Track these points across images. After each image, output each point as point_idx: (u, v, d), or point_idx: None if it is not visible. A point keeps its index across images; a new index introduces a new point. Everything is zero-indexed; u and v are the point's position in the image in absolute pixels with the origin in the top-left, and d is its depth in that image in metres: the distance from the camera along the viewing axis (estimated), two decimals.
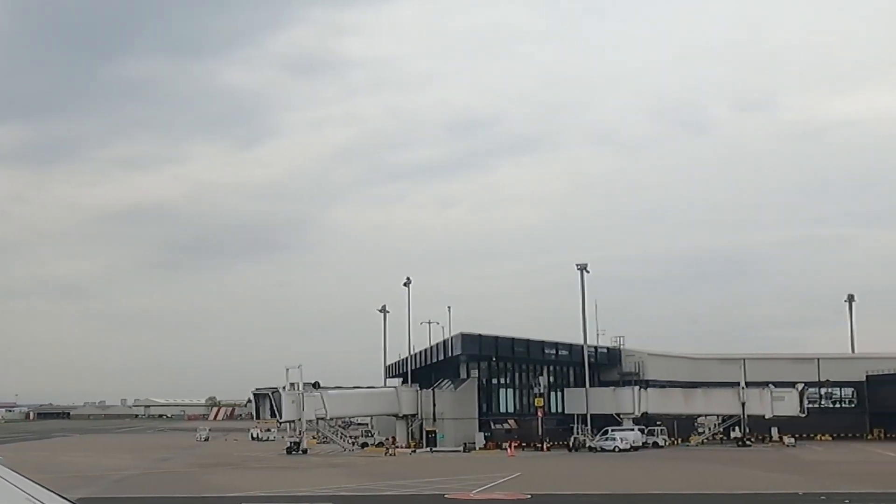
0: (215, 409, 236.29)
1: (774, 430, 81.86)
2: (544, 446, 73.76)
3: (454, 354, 77.93)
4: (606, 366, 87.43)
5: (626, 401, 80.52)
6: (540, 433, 74.88)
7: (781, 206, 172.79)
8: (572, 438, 75.19)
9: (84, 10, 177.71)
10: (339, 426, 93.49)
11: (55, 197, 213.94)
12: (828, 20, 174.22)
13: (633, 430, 75.42)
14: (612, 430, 74.61)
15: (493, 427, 78.46)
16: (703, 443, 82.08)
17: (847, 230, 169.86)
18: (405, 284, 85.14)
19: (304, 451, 72.20)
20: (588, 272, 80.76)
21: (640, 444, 73.29)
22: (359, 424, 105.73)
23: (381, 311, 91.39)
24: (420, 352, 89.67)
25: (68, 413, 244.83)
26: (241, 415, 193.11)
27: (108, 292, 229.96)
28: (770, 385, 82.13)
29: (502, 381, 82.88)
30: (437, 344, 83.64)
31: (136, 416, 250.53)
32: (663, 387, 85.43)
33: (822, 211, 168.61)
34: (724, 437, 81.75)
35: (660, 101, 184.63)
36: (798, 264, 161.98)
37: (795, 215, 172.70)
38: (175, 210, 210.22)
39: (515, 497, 37.05)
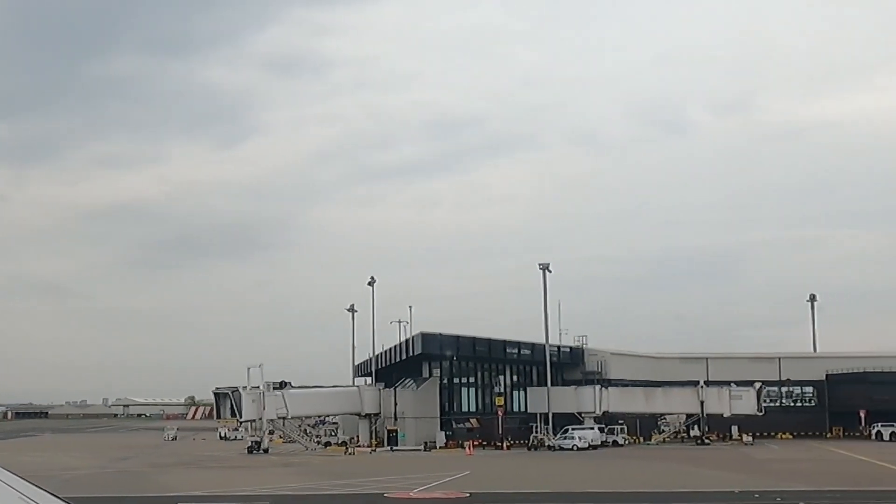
0: (194, 408, 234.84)
1: (735, 429, 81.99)
2: (504, 445, 73.51)
3: (415, 354, 77.61)
4: (569, 365, 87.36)
5: (587, 400, 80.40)
6: (500, 432, 74.67)
7: (758, 207, 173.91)
8: (531, 437, 75.01)
9: (66, 9, 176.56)
10: (311, 425, 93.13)
11: (35, 195, 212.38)
12: (805, 24, 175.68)
13: (592, 428, 75.33)
14: (572, 429, 74.49)
15: (454, 426, 78.17)
16: (664, 441, 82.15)
17: (823, 231, 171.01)
18: (369, 284, 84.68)
19: (266, 451, 71.60)
20: (550, 272, 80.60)
21: (599, 442, 73.22)
22: (333, 423, 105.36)
23: (349, 310, 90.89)
24: (385, 351, 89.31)
25: (47, 413, 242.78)
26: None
27: (89, 291, 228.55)
28: (732, 384, 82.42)
29: (464, 380, 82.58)
30: (400, 343, 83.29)
31: (116, 415, 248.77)
32: (626, 386, 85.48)
33: (799, 212, 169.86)
34: (685, 436, 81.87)
35: (639, 103, 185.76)
36: (775, 264, 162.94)
37: (772, 216, 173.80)
38: (157, 209, 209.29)
39: (454, 496, 36.80)
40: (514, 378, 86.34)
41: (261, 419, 73.06)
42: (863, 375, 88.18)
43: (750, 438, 78.02)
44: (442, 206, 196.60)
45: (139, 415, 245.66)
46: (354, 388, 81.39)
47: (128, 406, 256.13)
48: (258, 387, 73.78)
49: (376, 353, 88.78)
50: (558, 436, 73.98)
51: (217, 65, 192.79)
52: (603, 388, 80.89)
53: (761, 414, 79.35)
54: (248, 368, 74.46)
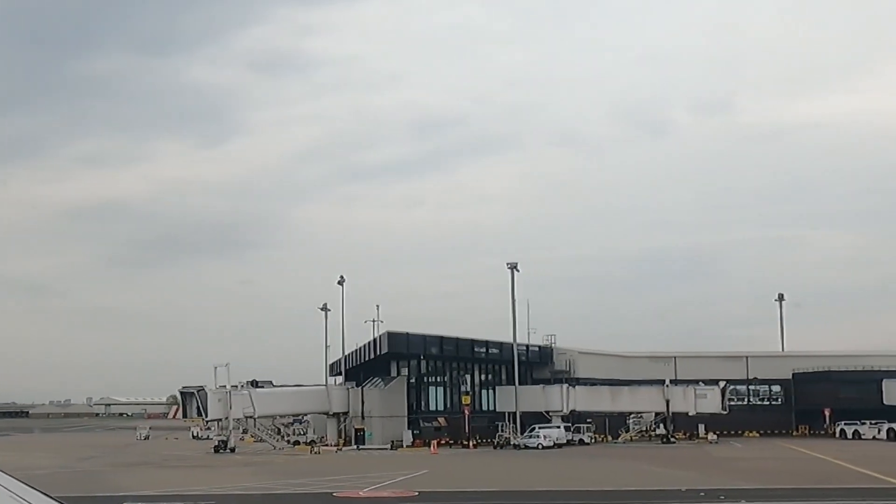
0: (175, 407, 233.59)
1: (702, 427, 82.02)
2: (471, 444, 73.28)
3: (382, 353, 77.30)
4: (538, 364, 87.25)
5: (554, 398, 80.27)
6: (467, 431, 74.44)
7: (738, 208, 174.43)
8: (497, 436, 74.84)
9: (50, 7, 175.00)
10: (285, 424, 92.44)
11: (18, 194, 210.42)
12: (785, 26, 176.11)
13: (558, 427, 75.19)
14: (539, 428, 74.35)
15: (422, 425, 77.89)
16: (631, 439, 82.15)
17: (802, 231, 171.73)
18: (339, 283, 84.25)
19: (233, 450, 71.04)
20: (518, 271, 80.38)
21: (565, 441, 73.05)
22: (307, 423, 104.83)
23: (321, 309, 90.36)
24: (354, 350, 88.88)
25: (27, 412, 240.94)
26: None
27: (72, 290, 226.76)
28: (701, 383, 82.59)
29: (432, 379, 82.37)
30: (368, 343, 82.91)
31: (97, 414, 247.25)
32: (594, 384, 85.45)
33: (779, 212, 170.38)
34: (652, 435, 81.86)
35: (621, 103, 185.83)
36: (754, 264, 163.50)
37: (752, 216, 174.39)
38: (140, 207, 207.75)
39: (403, 494, 36.48)
40: (484, 377, 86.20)
41: (227, 418, 72.58)
42: (827, 374, 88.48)
43: (715, 437, 78.12)
44: (425, 206, 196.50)
45: (121, 414, 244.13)
46: (322, 387, 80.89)
47: (109, 405, 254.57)
48: (230, 386, 73.45)
49: (347, 353, 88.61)
50: (524, 434, 73.82)
51: (201, 64, 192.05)
52: (570, 387, 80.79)
53: (725, 412, 79.46)
54: (215, 367, 74.03)
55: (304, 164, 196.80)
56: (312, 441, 79.42)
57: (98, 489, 41.75)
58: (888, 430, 76.40)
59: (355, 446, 73.36)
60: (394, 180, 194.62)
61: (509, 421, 79.32)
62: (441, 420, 79.43)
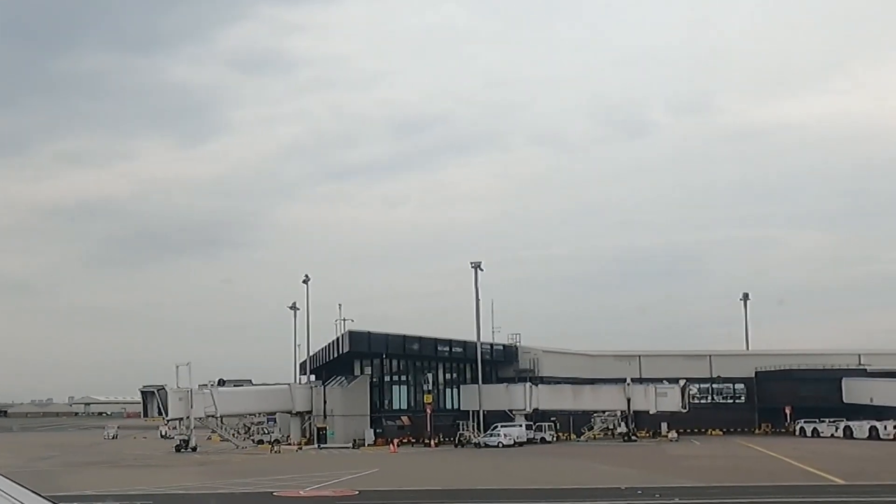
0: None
1: (665, 426, 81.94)
2: (432, 443, 73.00)
3: (343, 352, 76.88)
4: (503, 363, 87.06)
5: (518, 397, 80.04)
6: (429, 429, 74.15)
7: (716, 207, 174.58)
8: (458, 434, 74.58)
9: (31, 4, 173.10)
10: (255, 423, 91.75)
11: None
12: (762, 27, 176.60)
13: (520, 426, 74.97)
14: (501, 427, 74.12)
15: (385, 423, 77.55)
16: (594, 438, 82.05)
17: (779, 231, 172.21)
18: (304, 282, 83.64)
19: (194, 449, 70.49)
20: (482, 270, 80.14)
21: (525, 439, 72.79)
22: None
23: (290, 308, 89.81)
24: (321, 350, 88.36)
25: (6, 411, 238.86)
26: None
27: (54, 289, 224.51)
28: (665, 381, 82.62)
29: (396, 378, 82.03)
30: (331, 342, 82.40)
31: (76, 413, 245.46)
32: (559, 383, 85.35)
33: (756, 212, 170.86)
34: (615, 433, 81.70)
35: (601, 103, 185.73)
36: (731, 264, 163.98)
37: (729, 216, 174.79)
38: (122, 206, 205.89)
39: (344, 493, 36.09)
40: (449, 376, 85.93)
41: (188, 417, 72.02)
42: (788, 373, 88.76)
43: (675, 435, 78.11)
44: (407, 205, 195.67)
45: (100, 413, 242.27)
46: (285, 386, 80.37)
47: (89, 405, 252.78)
48: (192, 385, 72.87)
49: (314, 352, 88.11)
50: (485, 433, 73.60)
51: (184, 62, 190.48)
52: (533, 386, 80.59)
53: (686, 411, 79.51)
54: (177, 367, 73.39)
55: (286, 162, 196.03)
56: (276, 440, 78.93)
57: (41, 490, 41.07)
58: (845, 428, 76.61)
59: (317, 445, 72.93)
60: (376, 179, 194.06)
61: (472, 420, 79.17)
62: (404, 419, 79.12)
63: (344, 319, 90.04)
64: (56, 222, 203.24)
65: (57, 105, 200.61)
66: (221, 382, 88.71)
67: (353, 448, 71.18)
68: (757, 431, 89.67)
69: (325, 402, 75.81)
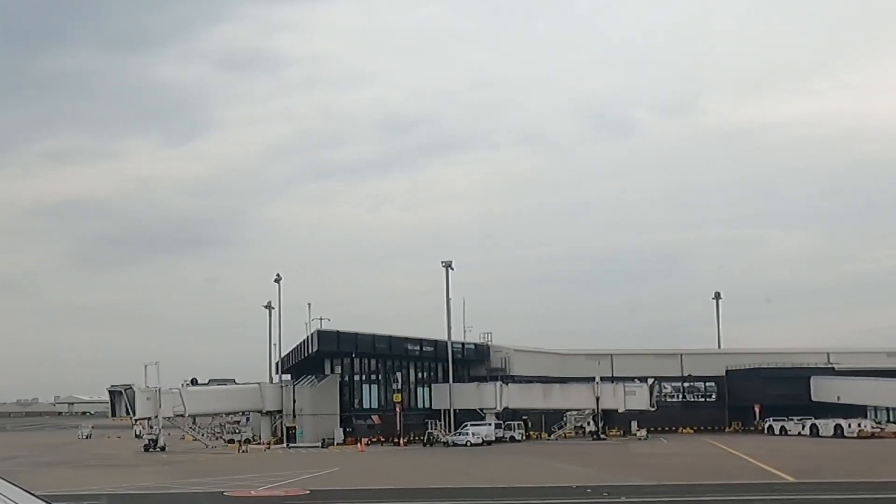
0: None
1: (634, 424, 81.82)
2: (401, 442, 72.79)
3: (312, 352, 76.55)
4: (475, 362, 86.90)
5: (488, 396, 79.80)
6: (398, 428, 73.93)
7: (701, 207, 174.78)
8: (426, 433, 74.38)
9: (16, 2, 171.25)
10: (230, 423, 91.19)
11: None
12: (747, 27, 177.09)
13: (489, 425, 74.81)
14: (470, 426, 73.95)
15: (355, 422, 77.28)
16: (564, 436, 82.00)
17: (763, 231, 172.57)
18: (276, 281, 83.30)
19: (163, 449, 70.05)
20: (452, 269, 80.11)
21: (494, 438, 72.60)
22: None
23: (266, 307, 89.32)
24: (293, 349, 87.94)
25: None
26: None
27: (40, 288, 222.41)
28: (636, 380, 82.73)
29: (366, 377, 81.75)
30: (302, 342, 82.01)
31: (60, 413, 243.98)
32: (530, 382, 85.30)
33: (740, 212, 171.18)
34: (584, 432, 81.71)
35: (587, 103, 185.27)
36: (716, 263, 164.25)
37: (714, 216, 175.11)
38: (108, 205, 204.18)
39: (295, 493, 35.88)
40: (422, 374, 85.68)
41: (157, 417, 71.53)
42: (757, 371, 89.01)
43: (644, 433, 78.11)
44: (394, 204, 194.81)
45: (84, 412, 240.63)
46: (255, 385, 79.94)
47: (73, 404, 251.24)
48: (193, 383, 72.76)
49: (287, 351, 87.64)
50: (454, 432, 73.44)
51: (170, 61, 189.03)
52: (504, 385, 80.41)
53: (654, 409, 79.62)
54: (145, 366, 72.91)
55: (272, 161, 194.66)
56: (247, 439, 78.55)
57: None
58: (811, 426, 76.85)
59: (286, 444, 72.58)
60: (362, 178, 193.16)
61: (443, 418, 79.04)
62: (375, 418, 78.85)
63: (321, 319, 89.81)
64: (42, 221, 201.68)
65: (43, 104, 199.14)
66: (194, 382, 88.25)
67: (322, 447, 70.84)
68: (727, 430, 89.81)
69: (294, 401, 75.40)
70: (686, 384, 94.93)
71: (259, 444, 74.70)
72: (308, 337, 77.69)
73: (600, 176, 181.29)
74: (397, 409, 74.42)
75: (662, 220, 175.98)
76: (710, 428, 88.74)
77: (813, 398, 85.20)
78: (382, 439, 74.58)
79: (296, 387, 76.77)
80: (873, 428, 73.29)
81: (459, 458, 58.02)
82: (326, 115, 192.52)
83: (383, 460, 57.54)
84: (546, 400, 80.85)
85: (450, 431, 74.80)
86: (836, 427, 73.82)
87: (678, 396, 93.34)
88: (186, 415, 73.69)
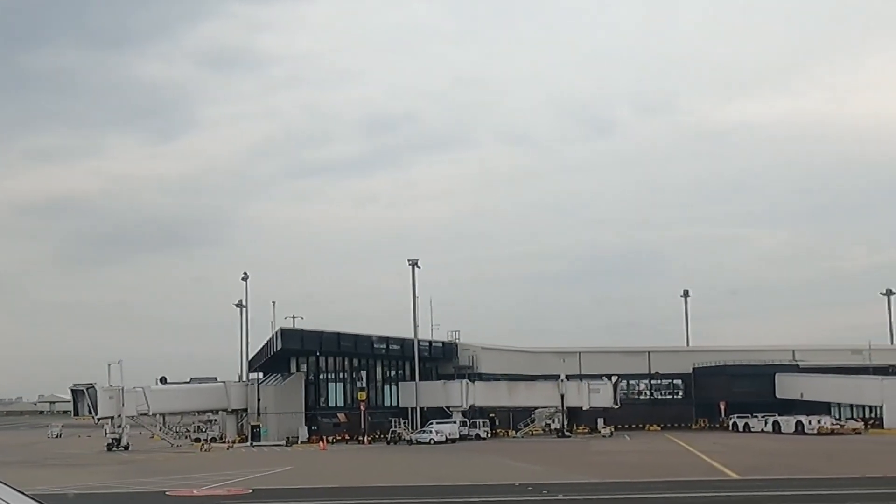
0: None
1: (601, 421, 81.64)
2: (366, 440, 72.39)
3: (276, 350, 76.03)
4: (443, 360, 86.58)
5: (454, 394, 79.44)
6: (363, 426, 73.53)
7: (681, 206, 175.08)
8: (390, 431, 74.02)
9: None
10: (205, 421, 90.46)
11: None
12: (726, 27, 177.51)
13: (453, 422, 74.53)
14: (435, 423, 73.65)
15: (320, 421, 76.82)
16: (531, 433, 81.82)
17: (737, 229, 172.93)
18: (243, 279, 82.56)
19: (126, 448, 69.37)
20: (419, 268, 79.86)
21: (458, 436, 72.28)
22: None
23: (237, 305, 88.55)
24: (261, 348, 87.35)
25: None
26: None
27: (23, 286, 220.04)
28: (604, 377, 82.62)
29: (332, 375, 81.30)
30: (268, 340, 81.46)
31: (41, 412, 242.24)
32: (497, 380, 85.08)
33: (720, 210, 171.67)
34: (550, 429, 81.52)
35: (568, 103, 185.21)
36: (695, 261, 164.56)
37: (691, 214, 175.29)
38: (91, 204, 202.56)
39: (237, 492, 35.42)
40: (389, 373, 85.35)
41: (120, 416, 70.85)
42: (722, 368, 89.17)
43: (608, 430, 78.00)
44: (378, 203, 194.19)
45: (65, 412, 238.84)
46: (220, 383, 79.36)
47: (54, 403, 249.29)
48: (163, 382, 72.04)
49: (258, 350, 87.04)
50: (418, 430, 73.13)
51: (153, 59, 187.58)
52: (469, 383, 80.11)
53: (617, 406, 79.56)
54: (108, 365, 72.12)
55: (256, 160, 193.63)
56: (213, 438, 78.01)
57: None
58: (773, 423, 76.97)
59: (250, 443, 72.05)
60: (346, 177, 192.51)
61: (410, 417, 78.72)
62: (341, 416, 78.40)
63: (293, 317, 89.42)
64: (25, 220, 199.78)
65: (26, 102, 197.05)
66: (163, 380, 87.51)
67: (287, 446, 70.34)
68: (694, 426, 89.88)
69: (258, 399, 74.87)
70: (654, 381, 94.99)
71: (224, 442, 74.12)
72: (272, 336, 77.13)
73: (582, 175, 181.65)
74: (362, 408, 74.01)
75: (641, 218, 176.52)
76: (677, 425, 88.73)
77: (778, 395, 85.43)
78: (348, 437, 74.14)
79: (260, 385, 76.21)
80: (833, 424, 73.52)
81: (418, 455, 57.73)
82: (310, 114, 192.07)
83: (341, 459, 57.12)
84: (511, 398, 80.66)
85: (412, 429, 74.45)
86: (797, 424, 73.97)
87: (646, 394, 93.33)
88: (150, 413, 73.10)
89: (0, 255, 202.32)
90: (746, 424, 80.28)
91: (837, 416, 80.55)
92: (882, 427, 75.89)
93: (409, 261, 79.54)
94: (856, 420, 79.02)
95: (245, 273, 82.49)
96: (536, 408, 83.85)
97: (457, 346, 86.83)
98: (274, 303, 77.65)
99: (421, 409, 79.90)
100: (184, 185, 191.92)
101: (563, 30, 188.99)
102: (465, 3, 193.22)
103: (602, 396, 78.32)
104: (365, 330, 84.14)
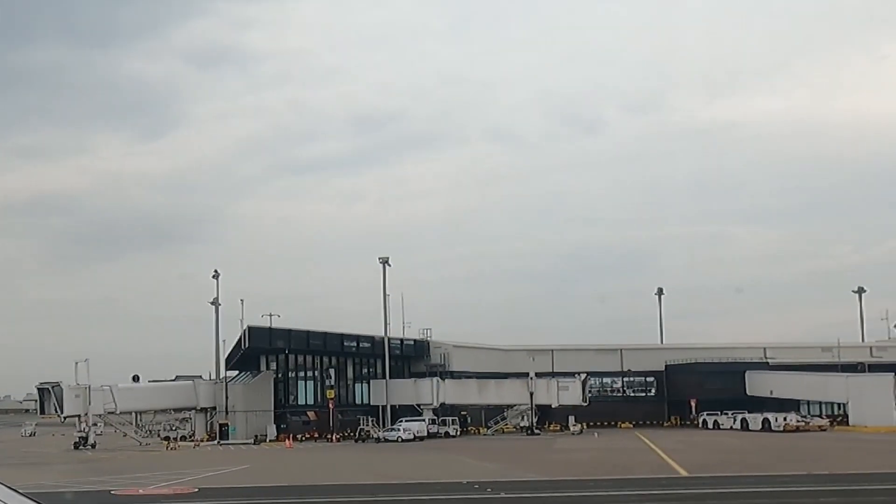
0: None
1: (572, 419, 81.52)
2: (334, 438, 72.19)
3: (245, 348, 75.67)
4: (414, 358, 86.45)
5: (425, 392, 79.32)
6: (332, 425, 73.33)
7: (668, 205, 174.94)
8: (358, 429, 73.82)
9: None
10: (179, 419, 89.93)
11: None
12: (712, 26, 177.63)
13: (422, 420, 74.40)
14: (404, 421, 73.51)
15: (290, 419, 76.53)
16: (502, 431, 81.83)
17: (723, 227, 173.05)
18: (214, 277, 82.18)
19: (93, 446, 68.95)
20: (390, 266, 79.65)
21: (426, 434, 72.10)
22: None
23: (212, 303, 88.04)
24: (233, 347, 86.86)
25: None
26: None
27: (11, 285, 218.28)
28: (577, 375, 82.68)
29: (302, 374, 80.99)
30: (238, 339, 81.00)
31: (27, 410, 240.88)
32: (469, 378, 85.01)
33: (707, 209, 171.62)
34: (520, 427, 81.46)
35: (555, 101, 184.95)
36: (683, 260, 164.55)
37: (677, 212, 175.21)
38: (78, 201, 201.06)
39: (182, 491, 35.19)
40: (362, 370, 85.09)
41: (87, 414, 70.43)
42: (693, 366, 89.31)
43: (578, 428, 77.95)
44: (365, 201, 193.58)
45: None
46: (189, 382, 78.94)
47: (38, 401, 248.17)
48: (135, 380, 71.61)
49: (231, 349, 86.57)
50: (386, 428, 72.97)
51: (140, 56, 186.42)
52: (440, 381, 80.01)
53: (586, 404, 79.55)
54: (76, 363, 71.65)
55: (244, 158, 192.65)
56: (183, 437, 77.65)
57: None
58: (742, 420, 77.19)
59: (218, 441, 71.73)
60: (334, 175, 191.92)
61: (381, 415, 78.57)
62: (311, 414, 78.10)
63: (270, 315, 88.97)
64: (11, 217, 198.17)
65: (12, 99, 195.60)
66: (136, 379, 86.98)
67: (254, 444, 70.07)
68: (666, 424, 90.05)
69: (226, 397, 74.52)
70: (626, 379, 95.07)
71: (192, 441, 73.77)
72: (241, 334, 76.76)
73: (569, 173, 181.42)
74: (330, 406, 73.80)
75: (627, 216, 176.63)
76: (649, 422, 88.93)
77: (748, 392, 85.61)
78: (317, 435, 73.93)
79: (229, 384, 75.83)
80: (798, 422, 73.80)
81: (382, 453, 57.58)
82: (298, 112, 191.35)
83: (303, 457, 56.83)
84: (482, 395, 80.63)
85: (380, 427, 74.28)
86: (763, 421, 74.21)
87: (619, 391, 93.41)
88: (118, 412, 72.68)
89: None
90: (716, 422, 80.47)
91: (805, 413, 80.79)
92: (847, 424, 76.22)
93: (379, 259, 79.31)
94: (822, 417, 79.31)
95: (216, 271, 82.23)
96: (509, 406, 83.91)
97: (428, 344, 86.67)
98: (242, 300, 77.37)
99: (392, 407, 79.87)
100: (171, 182, 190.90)
101: (550, 28, 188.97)
102: (452, 1, 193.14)
103: (571, 394, 78.33)
104: (347, 329, 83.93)
